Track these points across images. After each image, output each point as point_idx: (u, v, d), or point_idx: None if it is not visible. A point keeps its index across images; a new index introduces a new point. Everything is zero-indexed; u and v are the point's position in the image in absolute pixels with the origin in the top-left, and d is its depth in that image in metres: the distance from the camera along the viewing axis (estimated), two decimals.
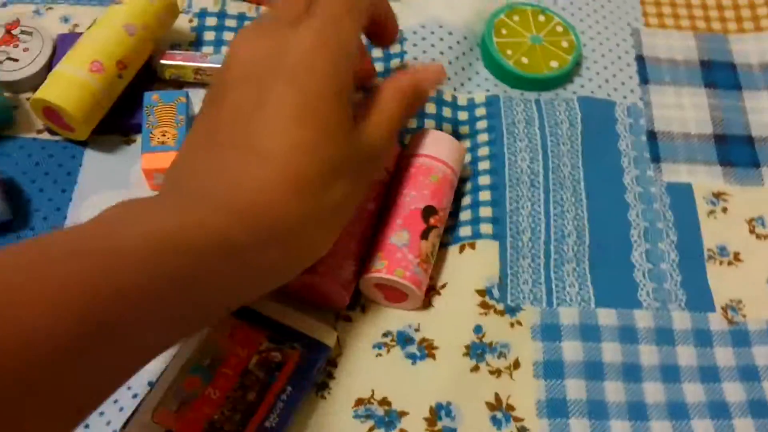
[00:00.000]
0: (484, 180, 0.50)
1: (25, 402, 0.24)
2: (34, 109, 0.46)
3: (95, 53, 0.46)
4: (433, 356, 0.43)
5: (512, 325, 0.45)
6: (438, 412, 0.41)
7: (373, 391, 0.42)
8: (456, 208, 0.49)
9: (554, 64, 0.55)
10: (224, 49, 0.54)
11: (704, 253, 0.50)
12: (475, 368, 0.43)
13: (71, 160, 0.47)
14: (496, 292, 0.46)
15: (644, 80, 0.57)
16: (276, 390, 0.39)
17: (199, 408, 0.37)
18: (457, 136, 0.52)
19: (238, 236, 0.31)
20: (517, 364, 0.44)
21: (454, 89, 0.54)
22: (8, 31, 0.50)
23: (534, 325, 0.45)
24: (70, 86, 0.45)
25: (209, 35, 0.54)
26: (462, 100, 0.54)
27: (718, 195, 0.52)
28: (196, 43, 0.54)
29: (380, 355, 0.43)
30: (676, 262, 0.49)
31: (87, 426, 0.39)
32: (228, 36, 0.54)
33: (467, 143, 0.52)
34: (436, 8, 0.57)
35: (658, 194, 0.51)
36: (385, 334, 0.44)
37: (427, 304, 0.45)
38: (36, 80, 0.49)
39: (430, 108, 0.52)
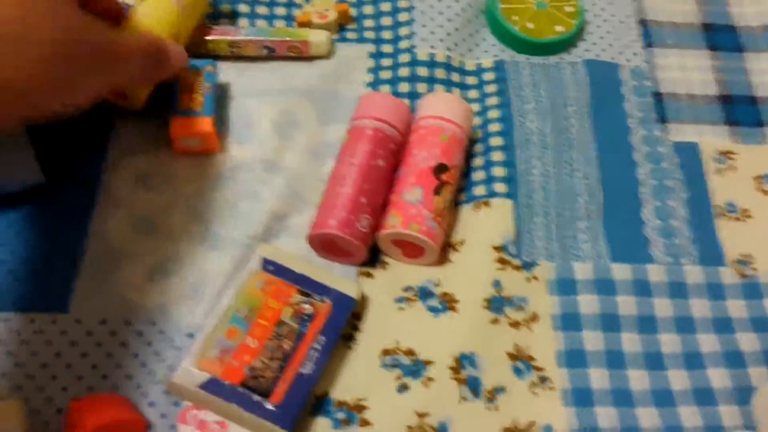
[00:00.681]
0: (495, 141, 0.50)
1: None
2: None
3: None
4: (454, 309, 0.43)
5: (528, 279, 0.45)
6: (462, 362, 0.41)
7: (397, 342, 0.42)
8: (469, 169, 0.49)
9: (559, 28, 0.55)
10: (241, 21, 0.54)
11: (713, 209, 0.50)
12: (495, 321, 0.43)
13: (102, 126, 0.48)
14: (512, 249, 0.46)
15: (648, 43, 0.57)
16: (309, 339, 0.39)
17: (240, 355, 0.38)
18: (466, 100, 0.52)
19: None
20: (535, 317, 0.44)
21: (462, 56, 0.54)
22: None
23: (550, 279, 0.45)
24: None
25: (225, 8, 0.54)
26: (470, 66, 0.54)
27: (724, 153, 0.52)
28: (213, 16, 0.54)
29: (402, 308, 0.43)
30: (686, 219, 0.49)
31: (135, 381, 0.39)
32: (243, 8, 0.54)
33: (477, 107, 0.52)
34: None
35: (665, 153, 0.52)
36: (406, 289, 0.44)
37: (445, 259, 0.45)
38: None
39: (440, 74, 0.52)
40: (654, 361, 0.44)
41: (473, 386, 0.41)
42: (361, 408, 0.40)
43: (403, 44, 0.54)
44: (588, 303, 0.45)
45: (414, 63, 0.53)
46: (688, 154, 0.52)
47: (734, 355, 0.44)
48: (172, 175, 0.46)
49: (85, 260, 0.43)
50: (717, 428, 0.42)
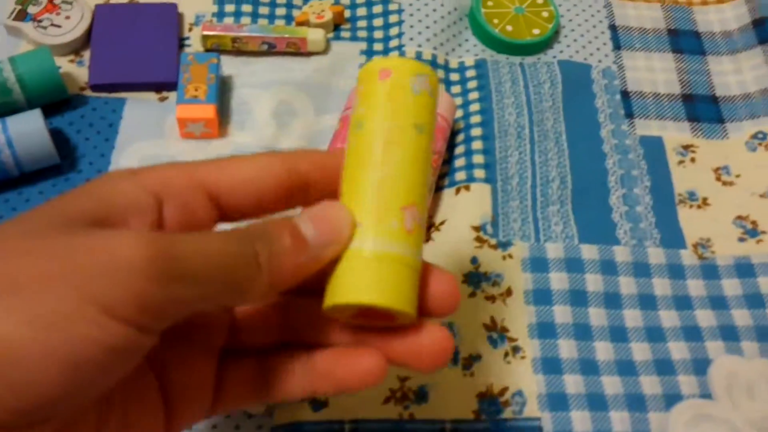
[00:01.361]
0: (475, 132, 0.50)
1: None
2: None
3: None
4: None
5: (504, 258, 0.45)
6: None
7: None
8: (451, 156, 0.49)
9: (536, 31, 0.55)
10: (243, 19, 0.54)
11: (675, 197, 0.50)
12: (472, 294, 0.43)
13: (112, 113, 0.48)
14: (489, 229, 0.46)
15: (617, 46, 0.57)
16: None
17: None
18: (450, 94, 0.52)
19: None
20: (509, 292, 0.44)
21: (447, 54, 0.55)
22: (51, 1, 0.50)
23: (524, 258, 0.46)
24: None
25: (229, 7, 0.54)
26: (453, 64, 0.55)
27: (686, 147, 0.53)
28: (218, 15, 0.54)
29: None
30: (650, 205, 0.49)
31: None
32: (246, 8, 0.55)
33: (459, 101, 0.53)
34: None
35: (632, 146, 0.52)
36: None
37: (427, 238, 0.45)
38: (77, 44, 0.50)
39: None
40: (618, 334, 0.44)
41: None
42: None
43: (393, 43, 0.54)
44: (558, 280, 0.45)
45: None
46: (653, 147, 0.52)
47: (692, 330, 0.44)
48: (175, 157, 0.47)
49: None
50: (676, 396, 0.42)
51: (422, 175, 0.25)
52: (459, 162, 0.49)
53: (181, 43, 0.52)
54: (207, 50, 0.51)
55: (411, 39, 0.54)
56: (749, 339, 0.44)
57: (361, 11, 0.56)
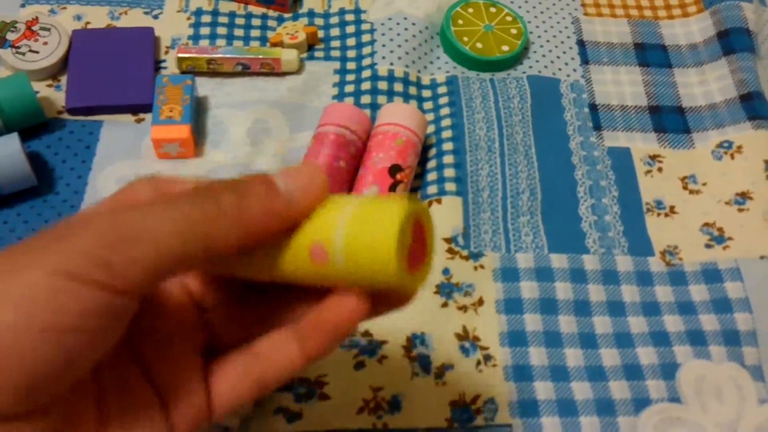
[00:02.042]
0: (447, 146, 0.52)
1: None
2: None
3: None
4: None
5: (476, 268, 0.47)
6: (414, 341, 0.43)
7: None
8: (423, 171, 0.51)
9: (505, 48, 0.57)
10: (219, 41, 0.56)
11: (643, 206, 0.52)
12: (445, 304, 0.45)
13: (89, 135, 0.49)
14: (460, 240, 0.47)
15: (585, 61, 0.59)
16: None
17: None
18: (422, 110, 0.54)
19: None
20: (481, 302, 0.46)
21: (419, 72, 0.57)
22: (29, 27, 0.52)
23: (495, 268, 0.47)
24: None
25: (204, 30, 0.56)
26: (425, 81, 0.57)
27: (653, 157, 0.54)
28: (194, 37, 0.56)
29: None
30: (618, 215, 0.51)
31: None
32: (221, 30, 0.56)
33: (431, 116, 0.54)
34: (401, 3, 0.59)
35: (600, 157, 0.54)
36: None
37: None
38: (54, 69, 0.52)
39: (398, 87, 0.55)
40: (588, 341, 0.45)
41: (424, 363, 0.43)
42: (320, 384, 0.41)
43: (366, 61, 0.56)
44: (529, 289, 0.46)
45: (375, 78, 0.55)
46: (621, 157, 0.54)
47: (661, 335, 0.46)
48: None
49: None
50: (645, 400, 0.43)
51: None
52: (431, 176, 0.51)
53: (158, 65, 0.53)
54: (183, 72, 0.52)
55: (383, 57, 0.56)
56: (717, 343, 0.45)
57: (335, 31, 0.58)
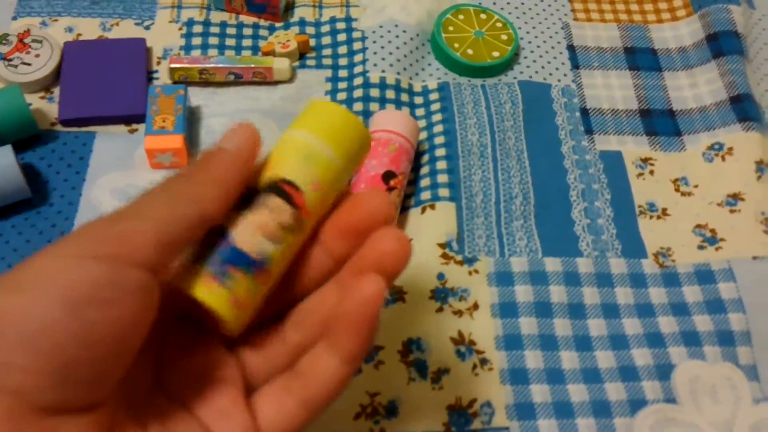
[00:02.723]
0: (440, 152, 0.53)
1: None
2: None
3: None
4: (402, 300, 0.46)
5: (470, 273, 0.48)
6: (410, 346, 0.44)
7: None
8: (416, 177, 0.52)
9: (496, 54, 0.59)
10: (210, 51, 0.57)
11: (635, 209, 0.53)
12: (440, 309, 0.46)
13: (83, 147, 0.50)
14: (455, 245, 0.49)
15: (575, 65, 0.61)
16: None
17: None
18: (414, 117, 0.56)
19: None
20: (476, 306, 0.47)
21: (410, 78, 0.58)
22: (21, 40, 0.53)
23: (489, 272, 0.48)
24: None
25: (196, 40, 0.58)
26: (417, 87, 0.58)
27: (645, 160, 0.56)
28: (185, 47, 0.57)
29: None
30: (611, 218, 0.52)
31: None
32: (213, 41, 0.58)
33: (423, 123, 0.56)
34: (392, 10, 0.61)
35: (592, 161, 0.55)
36: None
37: None
38: (47, 81, 0.53)
39: (390, 94, 0.56)
40: (583, 343, 0.46)
41: (420, 368, 0.44)
42: None
43: (357, 69, 0.57)
44: (523, 292, 0.48)
45: (367, 85, 0.56)
46: (613, 161, 0.55)
47: (655, 337, 0.47)
48: (146, 188, 0.49)
49: None
50: (641, 401, 0.44)
51: None
52: (424, 182, 0.52)
53: (150, 76, 0.54)
54: (175, 82, 0.54)
55: (375, 65, 0.57)
56: (711, 344, 0.46)
57: (326, 39, 0.60)
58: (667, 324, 0.48)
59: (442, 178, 0.52)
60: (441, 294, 0.46)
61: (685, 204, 0.54)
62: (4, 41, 0.53)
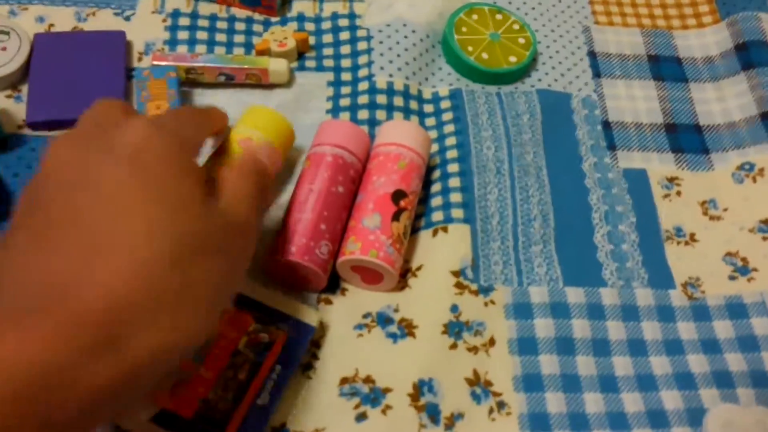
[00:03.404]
0: (452, 168, 0.50)
1: None
2: None
3: None
4: (413, 335, 0.43)
5: (486, 304, 0.45)
6: (421, 388, 0.41)
7: (357, 369, 0.41)
8: (427, 195, 0.49)
9: (513, 59, 0.55)
10: (198, 47, 0.53)
11: (662, 234, 0.50)
12: (453, 345, 0.43)
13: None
14: (469, 273, 0.45)
15: (596, 74, 0.58)
16: (266, 369, 0.38)
17: (194, 387, 0.36)
18: (424, 127, 0.52)
19: (70, 353, 0.25)
20: (492, 342, 0.44)
21: (419, 84, 0.54)
22: None
23: (506, 304, 0.45)
24: None
25: (182, 34, 0.53)
26: (426, 94, 0.54)
27: (671, 179, 0.53)
28: (170, 42, 0.52)
29: (362, 335, 0.42)
30: (636, 243, 0.49)
31: None
32: (201, 35, 0.53)
33: (434, 134, 0.52)
34: (400, 8, 0.57)
35: (615, 179, 0.52)
36: (365, 316, 0.43)
37: (404, 285, 0.45)
38: (14, 78, 0.48)
39: (398, 101, 0.52)
40: (608, 384, 0.43)
41: (432, 413, 0.40)
42: None
43: (362, 72, 0.54)
44: (543, 327, 0.45)
45: (373, 91, 0.52)
46: (637, 180, 0.52)
47: (685, 377, 0.44)
48: None
49: None
50: None
51: None
52: (435, 201, 0.48)
53: (129, 74, 0.50)
54: None
55: (381, 68, 0.54)
56: (744, 385, 0.44)
57: (327, 38, 0.56)
58: (697, 363, 0.45)
59: (456, 197, 0.48)
60: (455, 329, 0.43)
61: (715, 229, 0.51)
62: None
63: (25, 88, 0.49)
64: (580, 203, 0.51)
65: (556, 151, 0.53)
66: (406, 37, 0.56)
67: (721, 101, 0.57)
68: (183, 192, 0.30)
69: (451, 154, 0.51)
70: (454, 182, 0.49)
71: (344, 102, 0.52)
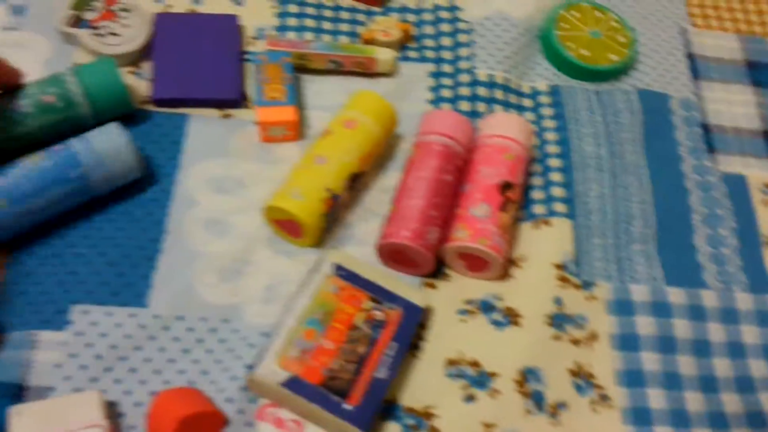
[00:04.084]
0: (553, 162, 0.52)
1: None
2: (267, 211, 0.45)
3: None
4: (517, 324, 0.44)
5: (587, 299, 0.46)
6: (527, 376, 0.42)
7: (462, 352, 0.43)
8: (527, 187, 0.50)
9: (613, 57, 0.57)
10: (306, 34, 0.55)
11: (761, 239, 0.51)
12: (557, 337, 0.44)
13: (175, 130, 0.49)
14: (572, 267, 0.47)
15: (695, 76, 0.59)
16: (382, 345, 0.40)
17: (318, 357, 0.39)
18: None
19: None
20: (594, 336, 0.45)
21: (518, 78, 0.56)
22: (108, 7, 0.51)
23: (608, 300, 0.47)
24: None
25: (291, 21, 0.56)
26: (525, 88, 0.56)
27: None
28: (280, 28, 0.55)
29: (464, 320, 0.44)
30: (736, 247, 0.50)
31: (210, 377, 0.40)
32: (308, 23, 0.56)
33: (534, 128, 0.54)
34: (500, 2, 0.59)
35: (715, 183, 0.53)
36: (468, 302, 0.45)
37: (507, 275, 0.46)
38: (136, 56, 0.51)
39: (498, 94, 0.54)
40: (708, 385, 0.45)
41: (537, 400, 0.42)
42: (429, 415, 0.41)
43: (463, 65, 0.55)
44: (645, 325, 0.46)
45: (474, 83, 0.54)
46: (736, 185, 0.53)
47: None
48: (242, 179, 0.48)
49: (162, 257, 0.44)
50: None
51: None
52: (537, 194, 0.50)
53: (243, 56, 0.53)
54: None
55: (483, 61, 0.55)
56: None
57: (428, 29, 0.58)
58: None
59: (558, 192, 0.50)
60: (558, 320, 0.45)
61: None
62: (88, 6, 0.51)
63: (145, 65, 0.51)
64: (680, 204, 0.52)
65: (655, 150, 0.54)
66: (506, 31, 0.57)
67: None
68: None
69: (552, 149, 0.52)
70: (556, 177, 0.51)
71: (446, 93, 0.54)
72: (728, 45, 0.62)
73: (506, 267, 0.46)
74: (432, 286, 0.46)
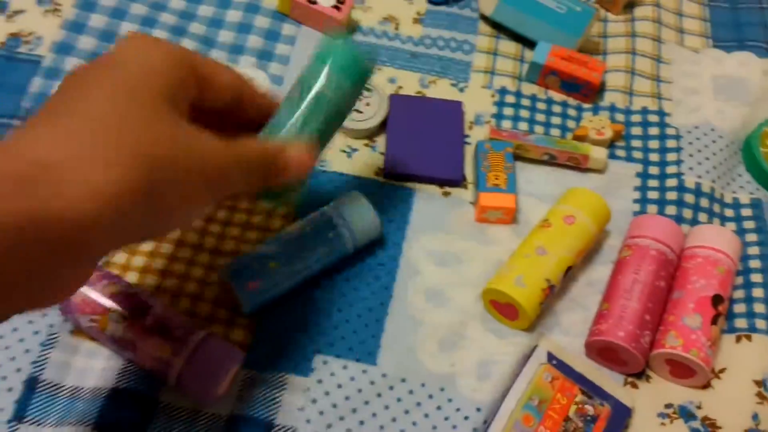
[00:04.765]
0: (755, 277, 0.54)
1: None
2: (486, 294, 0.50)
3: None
4: None
5: None
6: None
7: None
8: (729, 300, 0.53)
9: None
10: (520, 124, 0.61)
11: None
12: None
13: (402, 203, 0.55)
14: None
15: None
16: None
17: None
18: None
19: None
20: None
21: (722, 188, 0.59)
22: None
23: None
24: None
25: (508, 111, 0.62)
26: (728, 199, 0.59)
27: None
28: (497, 116, 0.61)
29: (664, 424, 0.47)
30: None
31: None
32: (523, 113, 0.61)
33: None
34: (707, 112, 0.62)
35: None
36: (667, 406, 0.48)
37: (707, 384, 0.49)
38: (372, 132, 0.58)
39: (704, 203, 0.57)
40: None
41: None
42: None
43: (671, 169, 0.59)
44: None
45: (682, 189, 0.57)
46: None
47: None
48: (459, 255, 0.53)
49: (389, 320, 0.49)
50: None
51: None
52: (738, 307, 0.52)
53: (463, 140, 0.58)
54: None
55: (691, 168, 0.59)
56: None
57: (636, 130, 0.62)
58: None
59: (759, 308, 0.52)
60: None
61: None
62: None
63: (379, 140, 0.58)
64: None
65: None
66: (714, 141, 0.60)
67: None
68: (157, 103, 0.32)
69: (754, 264, 0.55)
70: (758, 292, 0.53)
71: (652, 195, 0.58)
72: None
73: (709, 378, 0.48)
74: (634, 385, 0.49)
